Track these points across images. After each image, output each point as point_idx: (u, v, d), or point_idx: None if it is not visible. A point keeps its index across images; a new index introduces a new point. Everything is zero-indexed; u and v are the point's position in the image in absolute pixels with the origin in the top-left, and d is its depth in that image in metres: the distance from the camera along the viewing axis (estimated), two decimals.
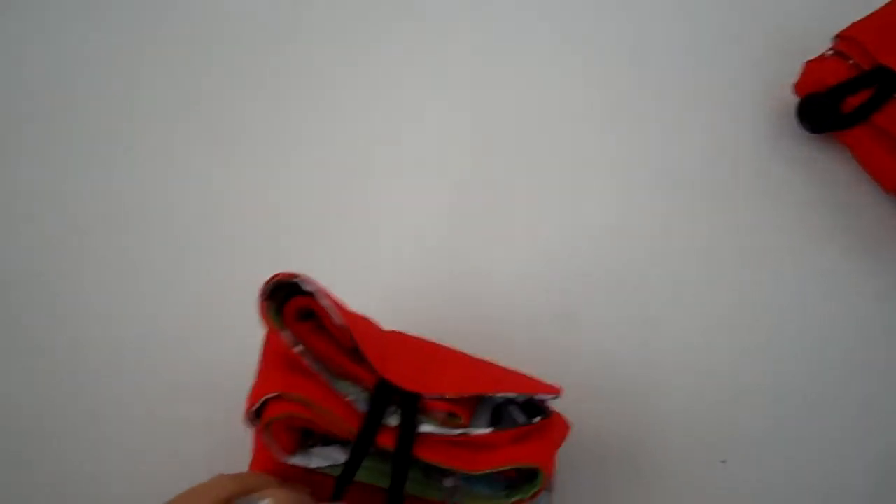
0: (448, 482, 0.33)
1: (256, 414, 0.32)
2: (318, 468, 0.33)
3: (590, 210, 0.48)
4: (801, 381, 0.44)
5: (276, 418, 0.32)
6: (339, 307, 0.32)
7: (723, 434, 0.42)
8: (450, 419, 0.33)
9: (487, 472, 0.32)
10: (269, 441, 0.32)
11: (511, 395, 0.34)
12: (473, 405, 0.34)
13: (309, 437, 0.34)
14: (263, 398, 0.32)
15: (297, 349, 0.32)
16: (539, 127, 0.51)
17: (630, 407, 0.43)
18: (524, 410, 0.35)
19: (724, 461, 0.42)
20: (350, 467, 0.32)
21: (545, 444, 0.33)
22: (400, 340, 0.36)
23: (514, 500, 0.33)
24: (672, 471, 0.41)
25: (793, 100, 0.50)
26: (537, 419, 0.34)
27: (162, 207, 0.48)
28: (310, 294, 0.32)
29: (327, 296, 0.32)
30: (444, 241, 0.47)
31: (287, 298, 0.32)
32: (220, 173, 0.50)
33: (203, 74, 0.53)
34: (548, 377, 0.36)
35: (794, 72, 0.49)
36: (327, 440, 0.34)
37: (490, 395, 0.34)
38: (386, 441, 0.32)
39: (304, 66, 0.53)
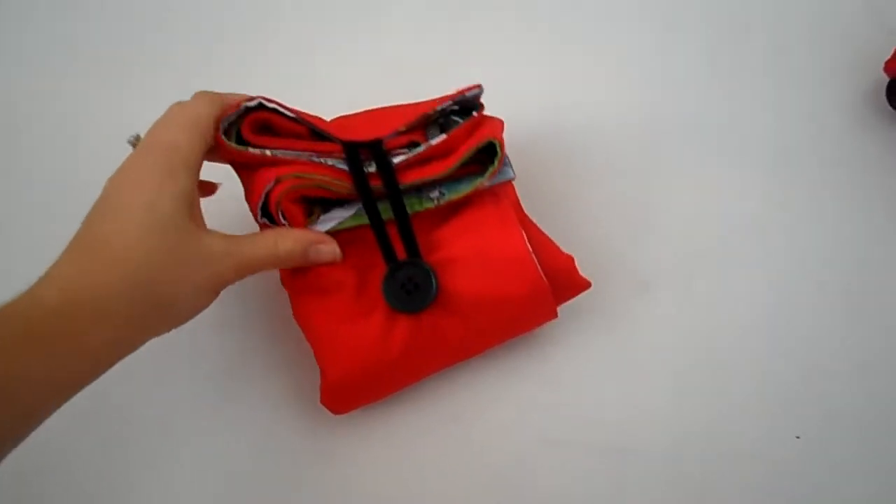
0: (434, 193, 0.40)
1: (263, 210, 0.37)
2: (330, 229, 0.38)
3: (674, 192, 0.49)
4: (885, 359, 0.44)
5: (283, 194, 0.36)
6: (285, 106, 0.37)
7: (799, 410, 0.42)
8: (411, 146, 0.39)
9: (459, 164, 0.39)
10: (283, 222, 0.37)
11: (446, 105, 0.40)
12: (423, 131, 0.40)
13: (310, 213, 0.39)
14: (265, 190, 0.36)
15: (268, 153, 0.37)
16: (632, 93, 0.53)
17: (708, 378, 0.43)
18: (461, 116, 0.41)
19: (798, 437, 0.42)
20: (369, 208, 0.38)
21: (491, 125, 0.40)
22: (341, 119, 0.42)
23: (488, 174, 0.39)
24: (747, 445, 0.41)
25: (884, 80, 0.49)
26: (474, 114, 0.40)
27: None
28: (257, 108, 0.37)
29: (271, 101, 0.37)
30: None
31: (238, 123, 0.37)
32: None
33: None
34: None
35: (887, 51, 0.49)
36: (326, 206, 0.39)
37: (431, 111, 0.39)
38: (374, 182, 0.38)
39: None
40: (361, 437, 0.41)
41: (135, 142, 0.35)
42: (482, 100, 0.42)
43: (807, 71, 0.52)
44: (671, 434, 0.42)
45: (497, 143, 0.39)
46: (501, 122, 0.42)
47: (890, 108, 0.49)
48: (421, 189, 0.39)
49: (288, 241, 0.36)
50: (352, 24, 0.55)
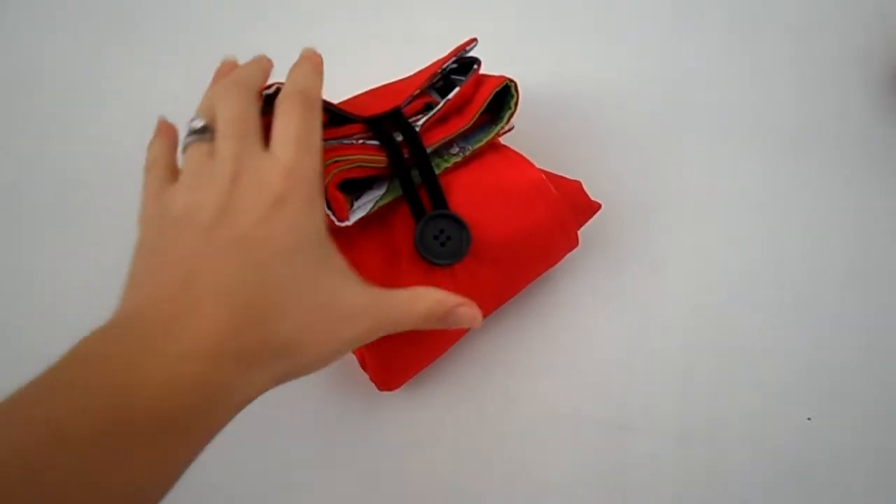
0: (454, 150, 0.39)
1: None
2: (369, 210, 0.37)
3: (688, 169, 0.48)
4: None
5: (328, 180, 0.34)
6: None
7: (811, 391, 0.42)
8: (427, 109, 0.39)
9: (479, 113, 0.39)
10: (329, 213, 0.35)
11: (449, 63, 0.40)
12: (431, 96, 0.40)
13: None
14: None
15: None
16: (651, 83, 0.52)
17: (719, 357, 0.43)
18: (459, 74, 0.41)
19: (810, 418, 0.41)
20: (404, 177, 0.37)
21: (493, 76, 0.41)
22: (346, 102, 0.41)
23: (506, 116, 0.40)
24: (759, 427, 0.41)
25: None
26: (474, 67, 0.41)
27: None
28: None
29: None
30: None
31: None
32: None
33: None
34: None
35: None
36: (356, 194, 0.38)
37: (439, 71, 0.40)
38: (403, 151, 0.37)
39: None
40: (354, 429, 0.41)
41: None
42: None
43: (829, 52, 0.52)
44: (681, 414, 0.41)
45: (512, 84, 0.40)
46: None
47: None
48: (440, 148, 0.39)
49: (427, 300, 0.32)
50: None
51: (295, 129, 0.30)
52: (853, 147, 0.48)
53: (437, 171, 0.38)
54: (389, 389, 0.40)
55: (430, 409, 0.41)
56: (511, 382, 0.42)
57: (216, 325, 0.26)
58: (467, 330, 0.41)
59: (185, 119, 0.32)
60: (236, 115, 0.30)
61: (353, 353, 0.40)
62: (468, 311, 0.33)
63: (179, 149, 0.32)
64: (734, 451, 0.40)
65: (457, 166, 0.39)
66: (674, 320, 0.43)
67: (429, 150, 0.38)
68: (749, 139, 0.49)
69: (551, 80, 0.50)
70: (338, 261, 0.30)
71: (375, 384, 0.39)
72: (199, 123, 0.31)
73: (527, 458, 0.40)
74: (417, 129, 0.38)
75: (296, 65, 0.33)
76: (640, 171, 0.48)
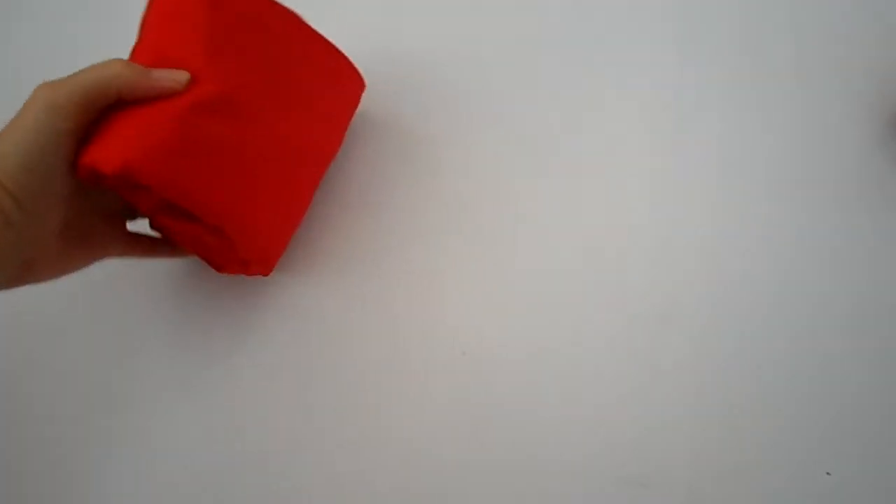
0: None
1: None
2: None
3: (693, 208, 0.48)
4: None
5: None
6: None
7: (829, 446, 0.41)
8: None
9: None
10: None
11: None
12: None
13: None
14: None
15: None
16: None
17: (736, 412, 0.42)
18: None
19: (829, 473, 0.40)
20: None
21: None
22: None
23: None
24: (776, 482, 0.40)
25: None
26: None
27: None
28: None
29: None
30: None
31: None
32: None
33: None
34: None
35: None
36: None
37: None
38: None
39: None
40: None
41: None
42: None
43: (830, 93, 0.51)
44: (696, 470, 0.40)
45: None
46: None
47: None
48: None
49: (115, 65, 0.35)
50: None
51: None
52: (856, 188, 0.48)
53: None
54: (268, 271, 0.44)
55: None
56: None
57: None
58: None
59: None
60: None
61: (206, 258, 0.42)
62: (166, 73, 0.35)
63: None
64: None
65: None
66: (684, 370, 0.43)
67: None
68: (752, 179, 0.48)
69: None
70: None
71: (253, 270, 0.42)
72: None
73: None
74: None
75: None
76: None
